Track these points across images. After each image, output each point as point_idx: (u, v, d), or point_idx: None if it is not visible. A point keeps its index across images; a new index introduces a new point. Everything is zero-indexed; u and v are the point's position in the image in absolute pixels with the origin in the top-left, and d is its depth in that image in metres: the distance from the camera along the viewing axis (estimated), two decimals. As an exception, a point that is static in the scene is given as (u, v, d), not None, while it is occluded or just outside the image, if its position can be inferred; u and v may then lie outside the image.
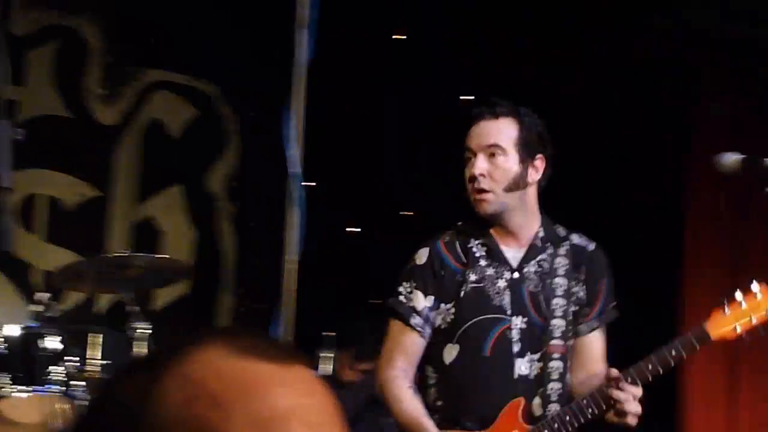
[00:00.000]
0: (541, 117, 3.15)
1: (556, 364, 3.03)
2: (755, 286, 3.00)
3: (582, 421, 2.94)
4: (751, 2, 5.58)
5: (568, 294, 3.08)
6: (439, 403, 3.04)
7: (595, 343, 3.16)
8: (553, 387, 3.02)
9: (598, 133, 5.66)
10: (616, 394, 2.86)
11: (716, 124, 5.64)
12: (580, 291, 3.12)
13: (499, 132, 3.03)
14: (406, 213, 6.05)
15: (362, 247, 6.01)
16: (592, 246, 3.17)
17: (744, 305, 2.98)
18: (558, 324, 3.04)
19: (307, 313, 4.36)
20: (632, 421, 2.90)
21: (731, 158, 2.86)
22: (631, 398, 2.88)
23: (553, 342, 3.03)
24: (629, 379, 2.89)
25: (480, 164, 3.02)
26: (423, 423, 2.96)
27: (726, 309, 2.98)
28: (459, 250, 3.07)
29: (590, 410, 2.92)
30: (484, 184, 3.02)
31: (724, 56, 5.70)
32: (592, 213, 4.87)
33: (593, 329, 3.15)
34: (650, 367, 2.87)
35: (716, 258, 5.57)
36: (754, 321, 2.97)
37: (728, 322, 2.97)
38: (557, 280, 3.07)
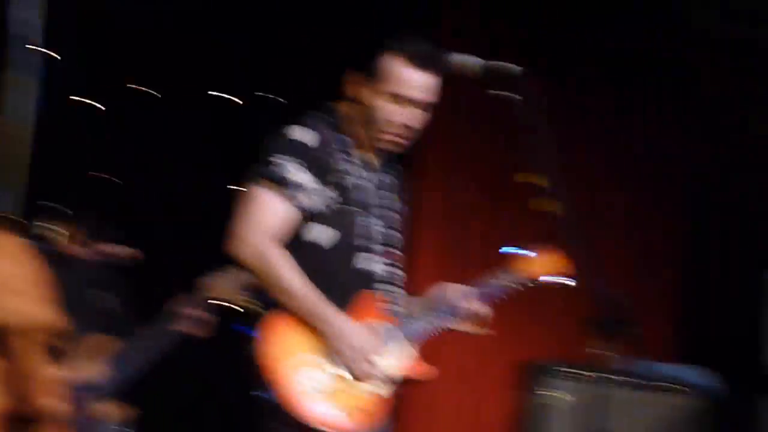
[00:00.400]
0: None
1: (396, 270, 3.11)
2: (545, 248, 3.24)
3: (443, 323, 3.09)
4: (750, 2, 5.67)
5: (395, 208, 3.18)
6: None
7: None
8: (394, 290, 3.09)
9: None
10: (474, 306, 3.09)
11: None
12: (399, 208, 3.22)
13: (437, 91, 3.04)
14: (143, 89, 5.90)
15: (102, 123, 5.84)
16: (400, 167, 3.26)
17: (541, 258, 3.23)
18: (394, 234, 3.14)
19: (44, 183, 4.27)
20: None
21: (473, 61, 2.94)
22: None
23: (394, 250, 3.12)
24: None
25: (417, 117, 3.02)
26: (316, 293, 2.89)
27: (529, 258, 3.21)
28: (335, 140, 3.04)
29: (450, 317, 3.09)
30: (409, 134, 3.05)
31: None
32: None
33: (403, 246, 3.28)
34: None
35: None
36: (552, 274, 3.22)
37: (533, 269, 3.22)
38: (390, 193, 3.17)
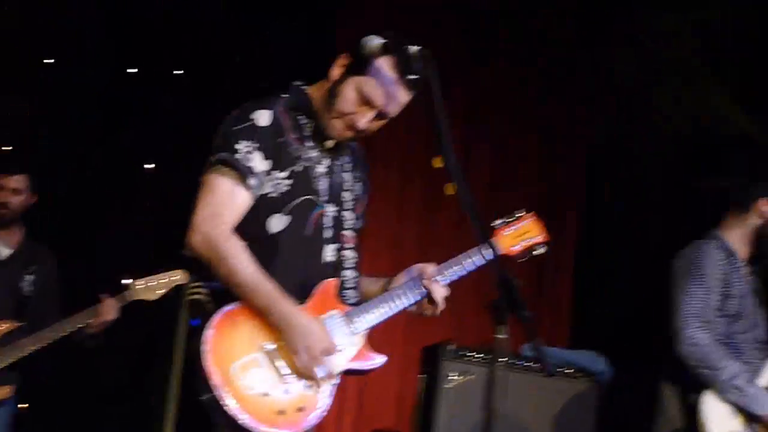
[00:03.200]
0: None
1: (349, 254, 3.04)
2: (525, 214, 3.23)
3: (397, 309, 3.02)
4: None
5: (352, 189, 3.12)
6: None
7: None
8: (348, 275, 3.03)
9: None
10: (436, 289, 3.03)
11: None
12: (357, 189, 3.16)
13: (401, 108, 2.98)
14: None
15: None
16: (362, 150, 3.23)
17: (518, 229, 3.20)
18: (349, 216, 3.07)
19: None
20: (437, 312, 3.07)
21: (374, 41, 2.92)
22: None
23: (346, 232, 3.05)
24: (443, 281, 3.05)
25: (371, 123, 2.97)
26: (273, 286, 2.81)
27: (504, 231, 3.18)
28: (291, 122, 2.98)
29: (407, 301, 3.03)
30: (358, 136, 3.02)
31: None
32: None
33: (360, 228, 3.19)
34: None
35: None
36: (527, 243, 3.20)
37: (508, 242, 3.17)
38: (344, 175, 3.10)
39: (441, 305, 3.06)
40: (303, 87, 3.06)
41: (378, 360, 3.00)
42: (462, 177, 2.62)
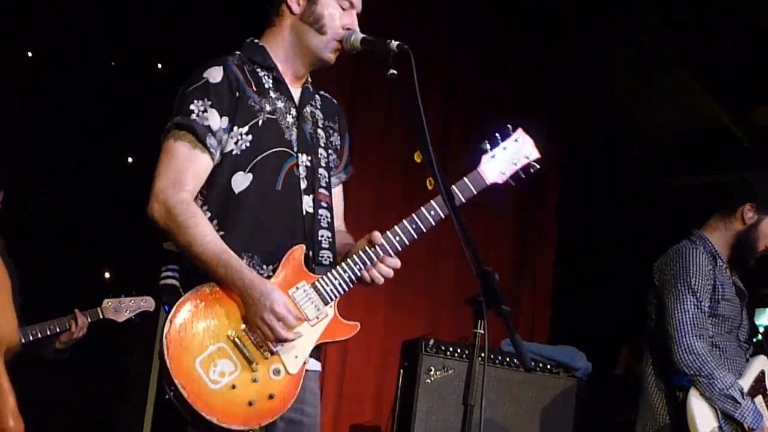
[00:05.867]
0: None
1: (324, 213, 2.94)
2: (516, 131, 3.04)
3: (355, 277, 2.86)
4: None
5: (327, 144, 3.03)
6: (221, 233, 2.77)
7: (338, 196, 3.13)
8: (324, 234, 2.93)
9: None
10: (387, 261, 2.88)
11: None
12: (336, 140, 3.08)
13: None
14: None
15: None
16: (335, 102, 3.17)
17: (507, 149, 3.03)
18: (323, 173, 2.97)
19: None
20: (380, 281, 2.90)
21: (353, 36, 2.92)
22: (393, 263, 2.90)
23: (321, 190, 2.95)
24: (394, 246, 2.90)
25: (356, 21, 2.96)
26: (231, 256, 2.69)
27: (492, 153, 3.01)
28: (249, 76, 2.89)
29: (358, 268, 2.86)
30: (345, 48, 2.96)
31: None
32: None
33: (340, 182, 3.13)
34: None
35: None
36: (518, 165, 3.03)
37: (496, 167, 3.00)
38: (319, 131, 3.02)
39: (378, 276, 2.89)
40: (256, 41, 3.01)
41: (352, 329, 2.88)
42: (440, 172, 2.59)
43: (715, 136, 7.54)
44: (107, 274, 5.72)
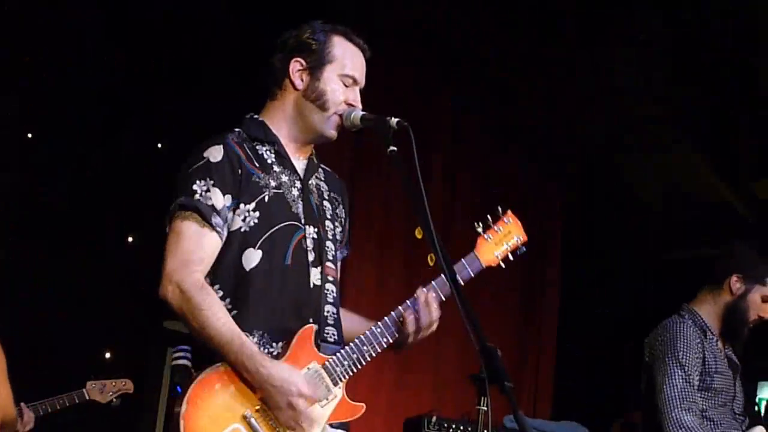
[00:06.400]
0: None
1: (330, 287, 2.93)
2: (506, 214, 3.08)
3: (363, 358, 2.85)
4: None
5: (333, 216, 3.04)
6: (233, 312, 2.77)
7: (339, 272, 3.11)
8: (330, 310, 2.91)
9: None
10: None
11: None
12: (341, 213, 3.09)
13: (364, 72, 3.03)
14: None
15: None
16: (337, 176, 3.19)
17: (500, 231, 3.06)
18: (330, 246, 2.97)
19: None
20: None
21: (353, 114, 2.94)
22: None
23: (328, 264, 2.94)
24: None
25: (359, 98, 2.99)
26: (246, 341, 2.69)
27: (486, 236, 3.04)
28: (249, 152, 2.90)
29: (366, 349, 2.85)
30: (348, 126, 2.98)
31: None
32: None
33: (343, 257, 3.14)
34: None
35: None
36: (508, 247, 3.06)
37: (491, 249, 3.03)
38: (325, 203, 3.03)
39: (426, 316, 2.86)
40: (255, 116, 3.02)
41: (358, 410, 2.88)
42: (441, 249, 2.59)
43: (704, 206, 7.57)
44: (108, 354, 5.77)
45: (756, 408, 4.37)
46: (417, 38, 6.22)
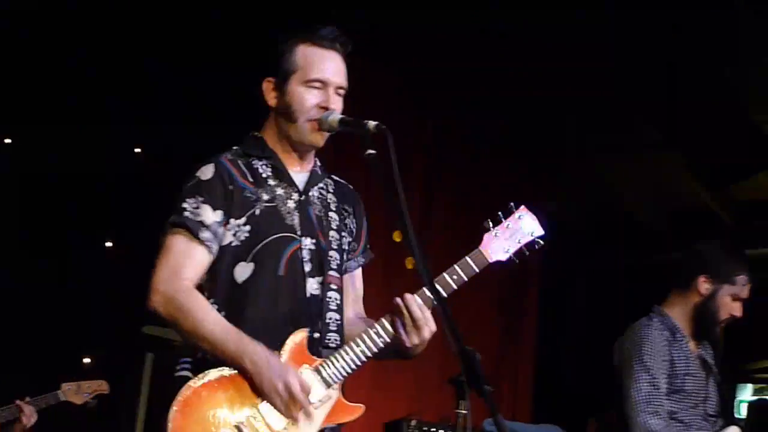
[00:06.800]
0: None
1: (333, 295, 2.95)
2: (519, 209, 3.07)
3: (371, 353, 2.86)
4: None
5: (340, 227, 3.05)
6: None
7: (358, 280, 3.14)
8: (332, 317, 2.93)
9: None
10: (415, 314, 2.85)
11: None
12: (351, 223, 3.10)
13: (346, 73, 2.98)
14: None
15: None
16: (350, 186, 3.19)
17: (510, 226, 3.05)
18: (334, 256, 2.98)
19: None
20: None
21: (330, 117, 2.92)
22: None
23: (331, 272, 2.95)
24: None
25: (336, 102, 2.95)
26: (242, 332, 2.71)
27: (495, 231, 3.03)
28: (244, 168, 2.94)
29: (360, 349, 2.86)
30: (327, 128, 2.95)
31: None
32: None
33: (360, 265, 3.14)
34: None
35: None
36: (522, 243, 3.05)
37: (499, 245, 3.02)
38: (331, 213, 3.04)
39: (423, 325, 2.89)
40: (256, 133, 3.05)
41: (357, 411, 2.93)
42: (420, 252, 2.60)
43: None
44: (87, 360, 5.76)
45: (731, 409, 4.39)
46: (397, 44, 6.23)
